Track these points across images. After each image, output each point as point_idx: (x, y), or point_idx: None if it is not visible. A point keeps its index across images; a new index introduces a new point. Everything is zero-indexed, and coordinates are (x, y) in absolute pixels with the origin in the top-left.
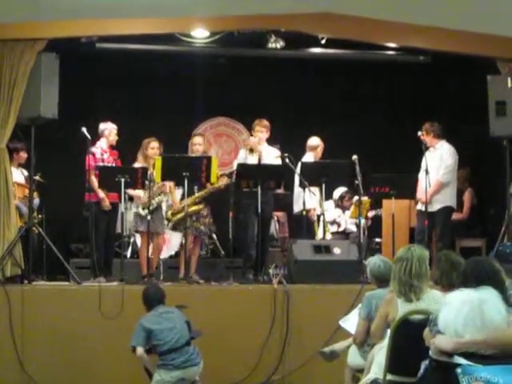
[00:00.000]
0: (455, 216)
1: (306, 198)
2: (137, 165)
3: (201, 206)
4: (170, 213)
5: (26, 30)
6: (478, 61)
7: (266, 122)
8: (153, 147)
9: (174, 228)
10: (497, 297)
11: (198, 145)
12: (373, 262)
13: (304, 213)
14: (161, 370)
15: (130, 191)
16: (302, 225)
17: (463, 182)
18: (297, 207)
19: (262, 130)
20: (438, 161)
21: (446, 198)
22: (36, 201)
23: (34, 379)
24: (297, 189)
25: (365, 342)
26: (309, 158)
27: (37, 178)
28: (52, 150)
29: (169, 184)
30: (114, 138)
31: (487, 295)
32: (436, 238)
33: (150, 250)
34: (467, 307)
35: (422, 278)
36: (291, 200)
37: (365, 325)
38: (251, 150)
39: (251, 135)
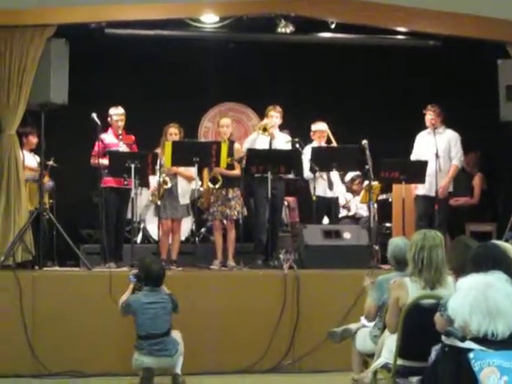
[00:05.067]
0: (465, 201)
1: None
2: (157, 150)
3: (217, 186)
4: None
5: (36, 16)
6: (488, 45)
7: (279, 108)
8: (171, 133)
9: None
10: (505, 281)
11: (225, 127)
12: (394, 243)
13: (314, 198)
14: (136, 352)
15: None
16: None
17: (473, 167)
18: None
19: (276, 116)
20: (446, 145)
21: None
22: (50, 184)
23: (44, 364)
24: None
25: (376, 315)
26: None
27: (50, 162)
28: (62, 135)
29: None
30: (118, 125)
31: (494, 280)
32: (438, 223)
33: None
34: (473, 293)
35: (435, 264)
36: (301, 185)
37: (375, 306)
38: (264, 130)
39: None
